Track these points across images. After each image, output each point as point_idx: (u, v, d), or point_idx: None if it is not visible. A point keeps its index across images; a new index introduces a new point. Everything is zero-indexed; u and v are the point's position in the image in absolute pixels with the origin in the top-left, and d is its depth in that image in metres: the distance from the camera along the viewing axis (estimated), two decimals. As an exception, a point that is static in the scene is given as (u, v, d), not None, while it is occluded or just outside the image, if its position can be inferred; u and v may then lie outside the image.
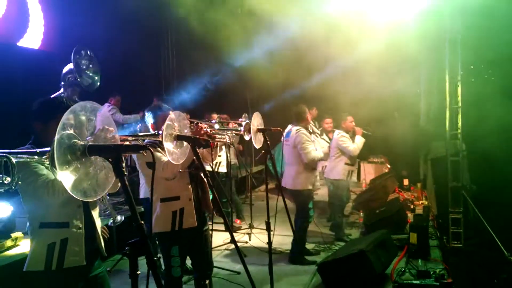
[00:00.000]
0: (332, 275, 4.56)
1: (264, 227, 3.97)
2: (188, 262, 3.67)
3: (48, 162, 1.72)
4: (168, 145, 2.43)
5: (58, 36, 7.56)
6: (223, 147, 6.52)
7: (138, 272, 1.63)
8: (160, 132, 2.45)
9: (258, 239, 6.14)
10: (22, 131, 2.56)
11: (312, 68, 8.72)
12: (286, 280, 4.94)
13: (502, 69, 7.12)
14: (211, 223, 3.71)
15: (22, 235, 4.55)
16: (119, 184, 1.71)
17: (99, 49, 5.15)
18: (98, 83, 5.07)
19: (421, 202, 8.14)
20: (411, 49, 7.35)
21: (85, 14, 7.39)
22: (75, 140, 1.48)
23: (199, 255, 3.59)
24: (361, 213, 7.14)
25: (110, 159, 1.53)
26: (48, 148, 1.43)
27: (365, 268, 4.39)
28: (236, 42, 8.34)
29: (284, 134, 5.49)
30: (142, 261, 1.60)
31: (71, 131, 1.48)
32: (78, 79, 4.73)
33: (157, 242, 3.79)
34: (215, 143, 3.45)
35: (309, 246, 5.77)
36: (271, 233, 3.88)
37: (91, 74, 4.94)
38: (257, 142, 3.74)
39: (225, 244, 6.06)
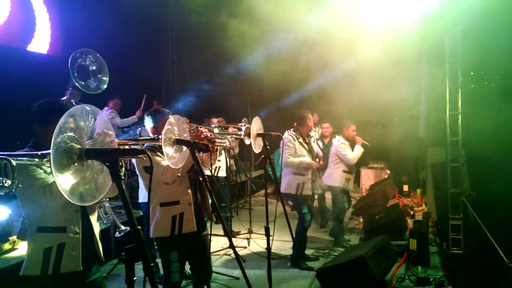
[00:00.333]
0: (331, 281, 4.53)
1: (263, 232, 3.96)
2: (187, 267, 3.65)
3: (48, 165, 1.71)
4: (168, 149, 2.42)
5: (65, 41, 7.57)
6: (223, 151, 6.52)
7: (135, 278, 1.61)
8: (160, 136, 2.44)
9: (257, 244, 6.12)
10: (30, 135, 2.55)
11: (312, 73, 8.72)
12: (285, 285, 4.91)
13: (502, 76, 7.14)
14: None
15: (20, 239, 4.53)
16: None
17: (101, 53, 5.11)
18: (105, 86, 5.02)
19: (420, 208, 8.12)
20: (411, 55, 7.37)
21: (89, 19, 7.37)
22: (72, 144, 1.46)
23: (198, 260, 3.57)
24: (361, 219, 7.12)
25: (107, 163, 1.52)
26: (49, 151, 1.42)
27: (364, 274, 4.36)
28: (236, 47, 8.36)
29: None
30: (139, 266, 1.58)
31: (68, 134, 1.46)
32: (77, 83, 4.69)
33: (155, 246, 3.77)
34: (215, 147, 3.44)
35: (308, 251, 5.74)
36: (270, 238, 3.86)
37: (99, 76, 4.89)
38: (257, 146, 3.73)
39: (224, 249, 6.03)
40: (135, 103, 7.98)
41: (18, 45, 7.00)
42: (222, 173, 6.94)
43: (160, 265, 3.58)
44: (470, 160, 6.80)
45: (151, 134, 3.43)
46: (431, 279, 4.56)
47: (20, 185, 1.74)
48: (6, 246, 4.41)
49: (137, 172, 3.69)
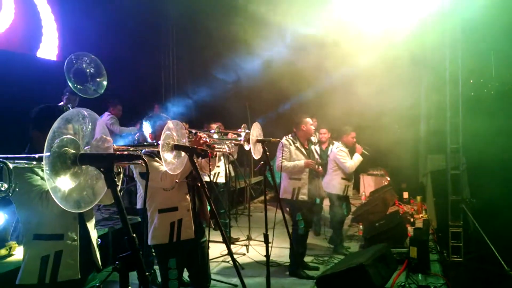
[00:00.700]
0: (331, 289, 4.49)
1: (262, 239, 3.92)
2: (185, 274, 3.61)
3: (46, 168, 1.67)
4: (167, 155, 2.39)
5: (72, 46, 7.52)
6: (222, 157, 6.49)
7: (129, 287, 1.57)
8: (159, 142, 2.41)
9: (256, 251, 6.07)
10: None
11: (312, 79, 8.73)
12: (284, 293, 4.87)
13: (501, 83, 7.14)
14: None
15: (17, 244, 4.50)
16: None
17: (105, 60, 5.06)
18: (103, 89, 4.96)
19: (421, 215, 8.09)
20: (411, 62, 7.37)
21: (95, 24, 7.34)
22: (66, 148, 1.43)
23: (196, 268, 3.53)
24: (361, 226, 7.08)
25: (101, 169, 1.49)
26: (48, 153, 1.38)
27: (364, 282, 4.32)
28: (236, 52, 8.37)
29: None
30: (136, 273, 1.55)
31: (61, 138, 1.42)
32: (74, 88, 4.64)
33: (153, 253, 3.74)
34: (214, 153, 3.41)
35: (307, 259, 5.70)
36: (269, 245, 3.83)
37: (98, 80, 4.84)
38: (256, 152, 3.71)
39: (223, 256, 5.99)
40: (135, 107, 7.96)
41: (24, 51, 6.92)
42: (221, 179, 6.90)
43: (158, 272, 3.54)
44: (471, 168, 6.77)
45: (149, 140, 3.40)
46: (431, 287, 4.52)
47: (17, 189, 1.70)
48: (3, 252, 4.38)
49: (135, 178, 3.66)
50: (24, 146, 2.49)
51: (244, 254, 6.15)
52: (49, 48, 7.31)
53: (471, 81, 7.62)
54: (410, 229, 6.69)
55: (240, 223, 7.67)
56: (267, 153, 3.80)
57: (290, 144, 5.34)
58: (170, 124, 2.43)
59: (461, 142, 5.97)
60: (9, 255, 4.43)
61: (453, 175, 5.99)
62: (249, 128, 3.74)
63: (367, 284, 4.32)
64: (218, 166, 6.65)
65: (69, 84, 4.58)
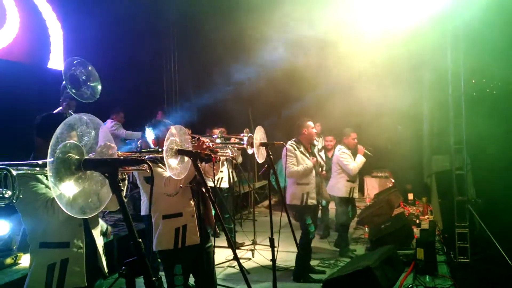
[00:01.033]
0: (338, 293, 4.46)
1: (268, 244, 3.90)
2: (191, 280, 3.59)
3: (50, 174, 1.67)
4: (171, 160, 2.38)
5: (77, 55, 7.56)
6: (225, 162, 6.48)
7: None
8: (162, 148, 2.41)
9: (262, 255, 6.05)
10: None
11: (315, 82, 8.73)
12: (291, 298, 4.84)
13: (504, 83, 7.12)
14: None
15: (22, 253, 4.50)
16: None
17: (107, 67, 5.05)
18: (98, 95, 4.94)
19: (426, 216, 8.04)
20: (414, 62, 7.36)
21: (96, 34, 7.36)
22: (70, 154, 1.43)
23: (202, 273, 3.51)
24: (366, 228, 7.05)
25: (106, 174, 1.48)
26: (52, 159, 1.38)
27: (371, 285, 4.29)
28: (238, 58, 8.39)
29: None
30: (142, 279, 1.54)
31: (65, 143, 1.42)
32: (72, 92, 4.61)
33: (159, 260, 3.72)
34: (217, 157, 3.40)
35: (313, 262, 5.67)
36: (275, 249, 3.80)
37: (91, 84, 4.82)
38: (260, 156, 3.69)
39: (228, 261, 5.97)
40: (137, 113, 7.96)
41: (32, 62, 6.90)
42: (225, 184, 6.89)
43: (163, 278, 3.53)
44: (475, 168, 6.75)
45: (152, 146, 3.40)
46: (439, 289, 4.49)
47: (21, 196, 1.70)
48: (9, 260, 4.37)
49: (139, 185, 3.65)
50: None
51: (249, 259, 6.12)
52: (57, 58, 7.32)
53: (473, 81, 7.61)
54: (416, 230, 6.65)
55: (245, 228, 7.65)
56: (271, 157, 3.78)
57: (295, 149, 5.29)
58: (173, 129, 2.43)
59: (465, 142, 5.95)
60: (15, 263, 4.43)
61: (458, 175, 5.97)
62: (252, 133, 3.73)
63: (374, 287, 4.29)
64: (221, 171, 6.64)
65: (68, 90, 4.57)
